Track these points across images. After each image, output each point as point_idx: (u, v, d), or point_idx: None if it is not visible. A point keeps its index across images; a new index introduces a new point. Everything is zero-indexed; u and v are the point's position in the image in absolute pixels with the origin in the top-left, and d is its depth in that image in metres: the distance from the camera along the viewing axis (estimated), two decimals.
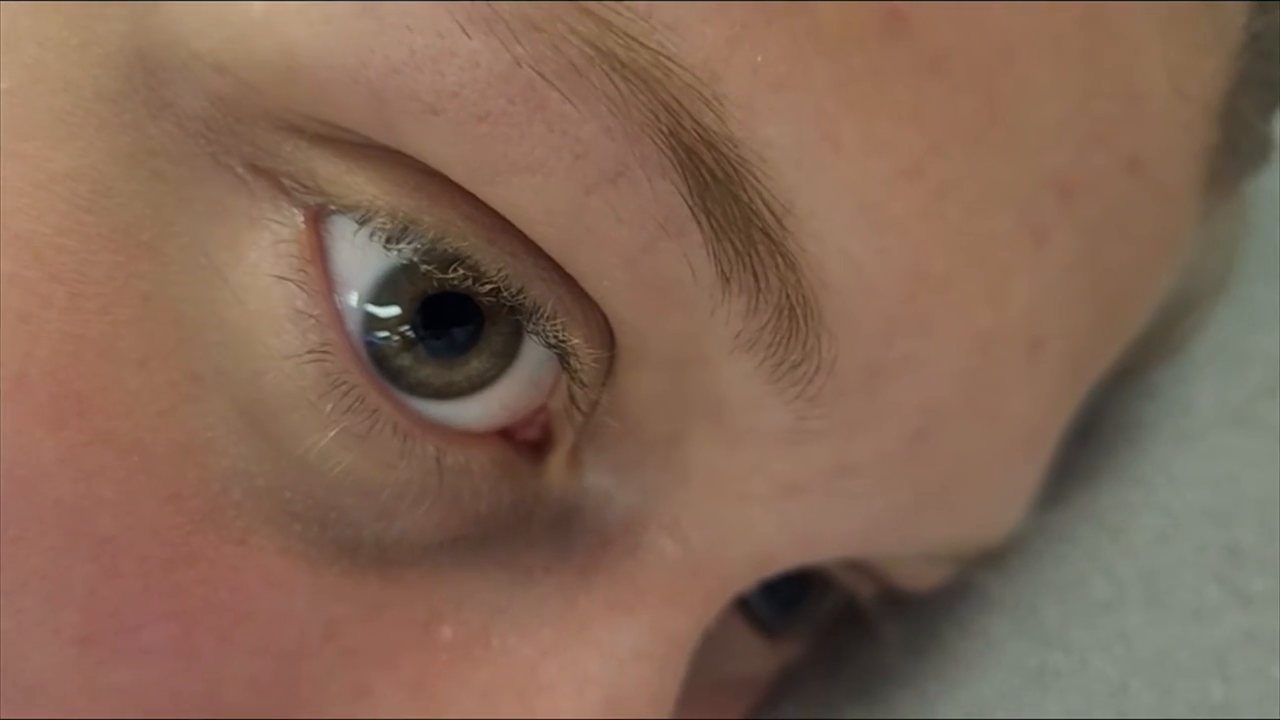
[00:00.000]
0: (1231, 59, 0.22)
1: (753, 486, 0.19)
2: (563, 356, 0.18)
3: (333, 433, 0.17)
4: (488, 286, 0.17)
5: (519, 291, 0.17)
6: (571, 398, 0.18)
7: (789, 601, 0.25)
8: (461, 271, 0.17)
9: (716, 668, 0.25)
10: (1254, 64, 0.23)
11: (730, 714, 0.26)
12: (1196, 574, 0.25)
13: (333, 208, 0.17)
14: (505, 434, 0.19)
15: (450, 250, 0.17)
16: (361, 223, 0.17)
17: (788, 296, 0.17)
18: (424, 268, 0.17)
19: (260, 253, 0.17)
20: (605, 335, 0.18)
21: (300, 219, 0.17)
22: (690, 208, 0.16)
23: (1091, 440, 0.28)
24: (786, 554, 0.20)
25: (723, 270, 0.17)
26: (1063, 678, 0.25)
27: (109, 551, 0.17)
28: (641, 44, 0.15)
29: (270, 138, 0.16)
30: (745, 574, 0.20)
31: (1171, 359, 0.28)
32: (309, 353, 0.17)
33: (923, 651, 0.27)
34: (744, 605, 0.24)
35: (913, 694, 0.26)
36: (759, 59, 0.16)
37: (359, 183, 0.17)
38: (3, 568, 0.17)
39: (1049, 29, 0.18)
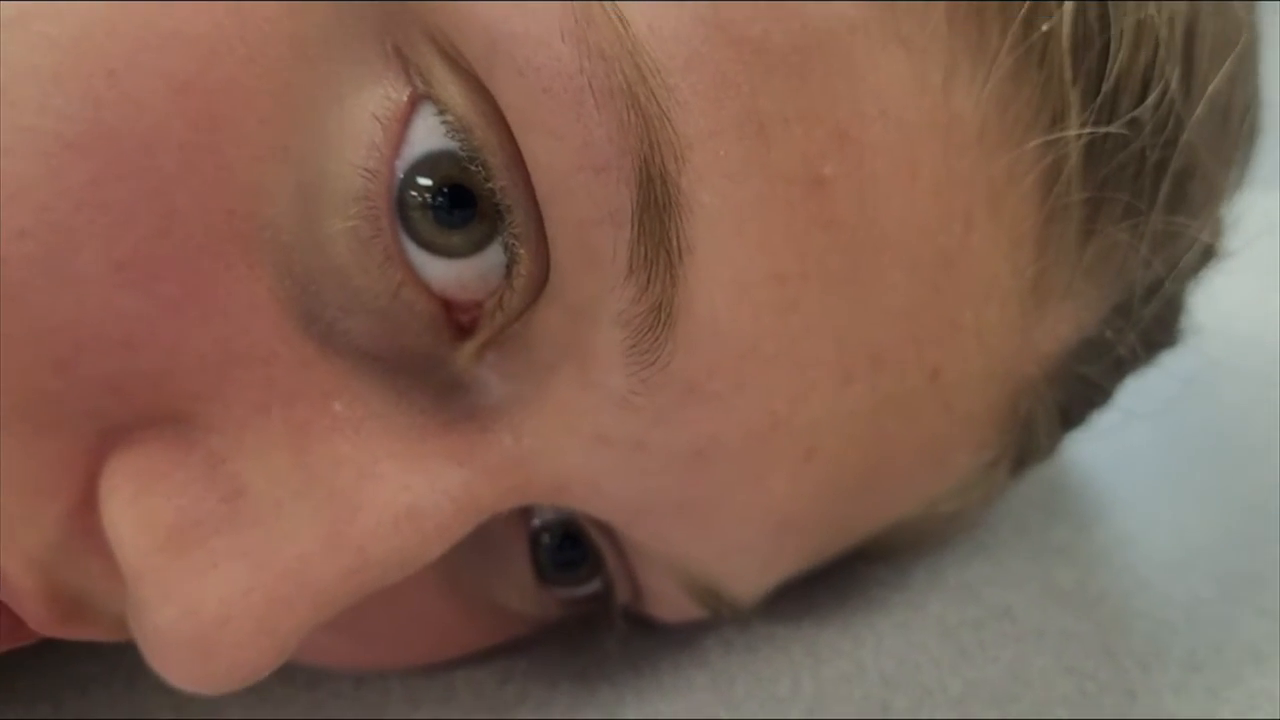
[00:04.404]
0: (1038, 359, 0.28)
1: (580, 426, 0.25)
2: (510, 264, 0.23)
3: (347, 225, 0.23)
4: (490, 186, 0.23)
5: (508, 205, 0.23)
6: (501, 301, 0.24)
7: (569, 563, 0.30)
8: (481, 169, 0.23)
9: (496, 589, 0.30)
10: (1056, 382, 0.29)
11: (488, 632, 0.32)
12: (854, 709, 0.31)
13: (429, 96, 0.23)
14: (447, 305, 0.24)
15: (482, 157, 0.23)
16: (439, 113, 0.23)
17: (662, 304, 0.23)
18: (461, 155, 0.23)
19: (371, 97, 0.23)
20: (545, 269, 0.24)
21: (406, 93, 0.23)
22: (632, 212, 0.22)
23: (835, 590, 0.35)
24: (577, 490, 0.26)
25: (631, 263, 0.22)
26: None
27: (171, 220, 0.22)
28: (657, 102, 0.22)
29: (418, 38, 0.23)
30: (545, 489, 0.26)
31: (919, 552, 0.35)
32: (364, 169, 0.23)
33: (637, 667, 0.33)
34: (536, 549, 0.30)
35: (610, 690, 0.32)
36: (722, 153, 0.22)
37: (453, 91, 0.23)
38: (99, 190, 0.22)
39: (917, 250, 0.25)
